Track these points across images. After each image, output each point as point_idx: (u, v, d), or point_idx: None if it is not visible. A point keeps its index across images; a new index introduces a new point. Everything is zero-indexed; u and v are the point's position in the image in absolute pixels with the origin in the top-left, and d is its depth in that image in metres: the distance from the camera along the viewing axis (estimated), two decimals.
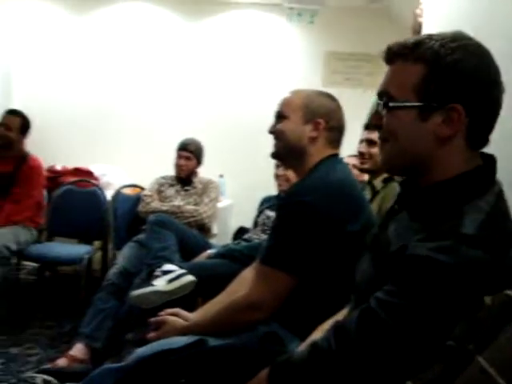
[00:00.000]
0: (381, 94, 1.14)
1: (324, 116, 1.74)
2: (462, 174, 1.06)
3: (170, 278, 2.49)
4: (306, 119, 1.74)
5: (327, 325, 1.35)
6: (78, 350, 2.85)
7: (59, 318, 3.65)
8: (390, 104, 1.10)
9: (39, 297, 3.99)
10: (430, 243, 0.96)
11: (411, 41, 1.09)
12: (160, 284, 2.47)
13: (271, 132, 1.80)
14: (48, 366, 2.72)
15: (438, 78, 1.05)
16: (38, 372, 2.56)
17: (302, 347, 1.25)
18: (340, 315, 1.34)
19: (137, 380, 1.43)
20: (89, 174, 4.52)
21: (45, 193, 4.09)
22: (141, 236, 3.34)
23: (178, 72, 5.16)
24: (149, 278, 2.59)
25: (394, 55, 1.12)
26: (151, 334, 1.68)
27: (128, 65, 5.23)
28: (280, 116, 1.79)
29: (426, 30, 3.05)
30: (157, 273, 2.56)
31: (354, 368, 1.01)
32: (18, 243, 3.57)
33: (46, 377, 2.02)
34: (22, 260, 3.86)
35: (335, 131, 1.78)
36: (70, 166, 4.59)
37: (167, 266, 2.59)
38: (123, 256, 3.32)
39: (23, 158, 3.81)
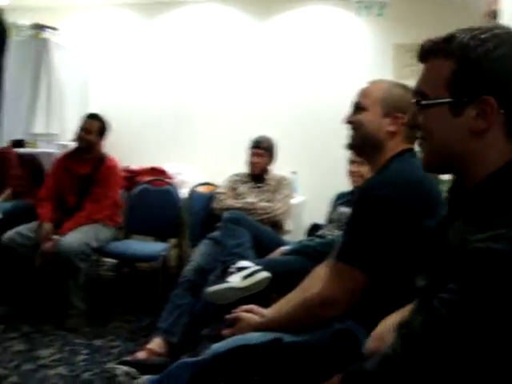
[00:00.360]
0: (416, 93, 1.14)
1: (404, 110, 1.68)
2: (504, 165, 1.03)
3: (244, 274, 2.51)
4: (386, 112, 1.70)
5: (391, 318, 1.33)
6: (155, 343, 2.92)
7: (138, 312, 3.76)
8: (423, 102, 1.10)
9: (118, 292, 4.12)
10: (484, 235, 0.92)
11: (442, 37, 1.08)
12: (235, 280, 2.50)
13: (348, 122, 1.76)
14: (128, 358, 2.81)
15: (468, 71, 1.03)
16: (119, 363, 2.66)
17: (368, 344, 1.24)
18: (404, 311, 1.31)
19: (212, 375, 1.46)
20: (163, 173, 4.62)
21: (122, 192, 4.21)
22: (215, 233, 3.37)
23: (248, 70, 5.20)
24: (224, 275, 2.62)
25: (426, 53, 1.12)
26: (226, 331, 1.71)
27: (199, 65, 5.32)
28: (358, 107, 1.74)
29: (503, 18, 2.93)
30: (231, 269, 2.58)
31: (422, 372, 0.97)
32: (98, 241, 3.69)
33: (126, 368, 2.10)
34: (101, 257, 4.01)
35: (414, 127, 1.73)
36: (146, 165, 4.71)
37: (242, 263, 2.61)
38: (198, 253, 3.36)
39: (101, 160, 3.94)
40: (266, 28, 5.22)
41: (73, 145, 4.10)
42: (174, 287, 3.17)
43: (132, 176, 4.56)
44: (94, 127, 3.91)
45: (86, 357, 3.01)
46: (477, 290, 0.90)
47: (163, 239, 4.21)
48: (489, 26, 1.05)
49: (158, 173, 4.59)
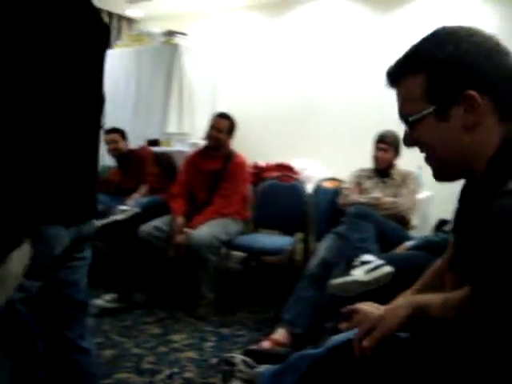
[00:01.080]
0: (401, 119, 1.19)
1: None
2: (500, 145, 1.07)
3: (368, 268, 2.50)
4: None
5: None
6: (280, 334, 3.00)
7: (264, 304, 3.86)
8: (410, 119, 1.14)
9: (246, 284, 4.26)
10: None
11: (404, 55, 1.15)
12: (358, 274, 2.50)
13: None
14: (253, 346, 2.92)
15: (439, 76, 1.09)
16: (244, 352, 2.75)
17: None
18: None
19: (329, 367, 1.47)
20: (290, 168, 4.66)
21: (250, 187, 4.32)
22: (340, 228, 3.37)
23: (372, 65, 5.09)
24: (347, 269, 2.63)
25: (394, 77, 1.18)
26: (342, 324, 1.71)
27: (323, 61, 5.33)
28: None
29: None
30: (355, 263, 2.59)
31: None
32: (227, 234, 3.82)
33: (243, 357, 2.18)
34: (230, 250, 4.14)
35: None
36: (273, 161, 4.79)
37: (366, 257, 2.60)
38: (323, 247, 3.38)
39: (230, 156, 4.06)
40: (387, 21, 5.09)
41: (203, 143, 4.26)
42: (299, 280, 3.23)
43: (259, 172, 4.66)
44: (223, 126, 4.04)
45: (213, 344, 3.16)
46: (490, 268, 0.94)
47: (290, 233, 4.26)
48: (445, 30, 1.13)
49: (284, 169, 4.65)
